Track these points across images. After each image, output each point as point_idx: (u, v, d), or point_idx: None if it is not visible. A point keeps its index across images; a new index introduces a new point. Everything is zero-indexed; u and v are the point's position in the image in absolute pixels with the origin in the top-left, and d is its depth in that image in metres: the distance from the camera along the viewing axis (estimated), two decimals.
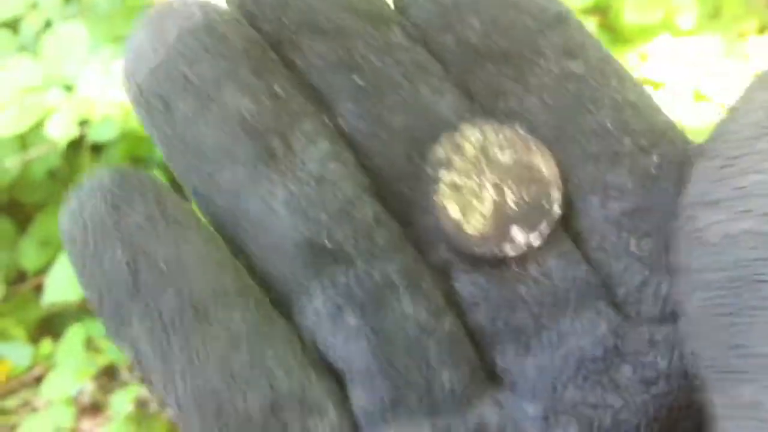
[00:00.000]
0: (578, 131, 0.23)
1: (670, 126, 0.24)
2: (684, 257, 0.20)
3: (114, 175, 0.23)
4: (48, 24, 0.85)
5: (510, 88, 0.24)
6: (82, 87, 0.73)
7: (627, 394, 0.22)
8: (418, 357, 0.23)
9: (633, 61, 0.77)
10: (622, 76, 0.24)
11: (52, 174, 0.89)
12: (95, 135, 0.78)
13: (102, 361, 0.89)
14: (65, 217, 0.23)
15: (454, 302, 0.24)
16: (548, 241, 0.23)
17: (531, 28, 0.24)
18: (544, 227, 0.23)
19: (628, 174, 0.23)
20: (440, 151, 0.24)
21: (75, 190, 0.23)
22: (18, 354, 0.91)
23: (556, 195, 0.23)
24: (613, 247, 0.23)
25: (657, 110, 0.24)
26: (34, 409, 0.93)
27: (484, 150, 0.24)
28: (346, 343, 0.23)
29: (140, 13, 0.81)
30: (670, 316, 0.23)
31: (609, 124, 0.23)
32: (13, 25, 0.87)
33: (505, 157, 0.24)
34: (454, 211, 0.23)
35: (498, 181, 0.23)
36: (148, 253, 0.22)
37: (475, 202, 0.23)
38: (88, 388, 0.95)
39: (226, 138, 0.23)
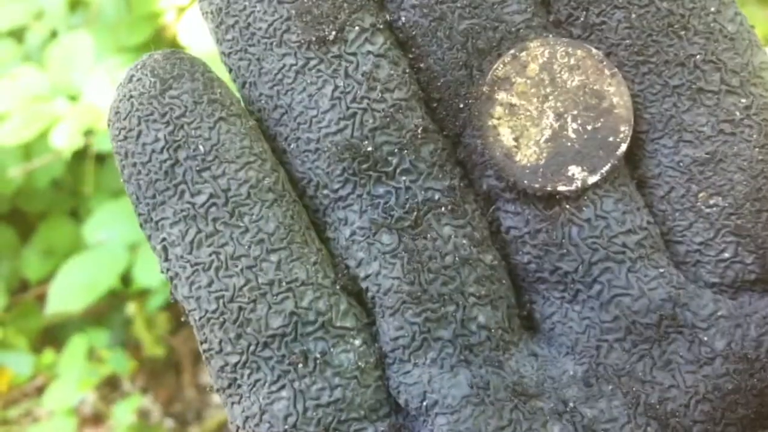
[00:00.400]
0: (661, 59, 0.22)
1: (767, 66, 0.22)
2: None
3: (167, 53, 0.22)
4: (53, 34, 0.85)
5: None
6: (87, 96, 0.73)
7: (678, 372, 0.21)
8: (455, 289, 0.22)
9: None
10: (724, 1, 0.22)
11: (55, 183, 0.89)
12: (100, 145, 0.78)
13: (104, 371, 0.89)
14: (116, 92, 0.22)
15: (498, 236, 0.23)
16: (609, 181, 0.22)
17: None
18: (606, 168, 0.22)
19: (709, 115, 0.21)
20: (501, 67, 0.22)
21: (130, 67, 0.22)
22: (20, 363, 0.90)
23: (625, 131, 0.22)
24: (680, 199, 0.22)
25: (757, 47, 0.22)
26: (36, 419, 0.93)
27: (550, 71, 0.22)
28: (380, 265, 0.22)
29: (146, 22, 0.80)
30: (730, 286, 0.21)
31: (698, 55, 0.22)
32: (18, 35, 0.88)
33: (572, 81, 0.22)
34: (506, 136, 0.22)
35: (561, 109, 0.22)
36: (189, 133, 0.21)
37: (531, 128, 0.22)
38: (89, 398, 0.95)
39: (279, 19, 0.22)
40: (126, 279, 0.80)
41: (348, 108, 0.21)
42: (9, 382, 0.94)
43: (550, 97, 0.22)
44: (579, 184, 0.21)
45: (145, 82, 0.21)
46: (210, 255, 0.21)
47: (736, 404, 0.21)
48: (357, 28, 0.22)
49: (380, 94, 0.22)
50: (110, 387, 0.99)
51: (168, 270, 0.21)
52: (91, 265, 0.77)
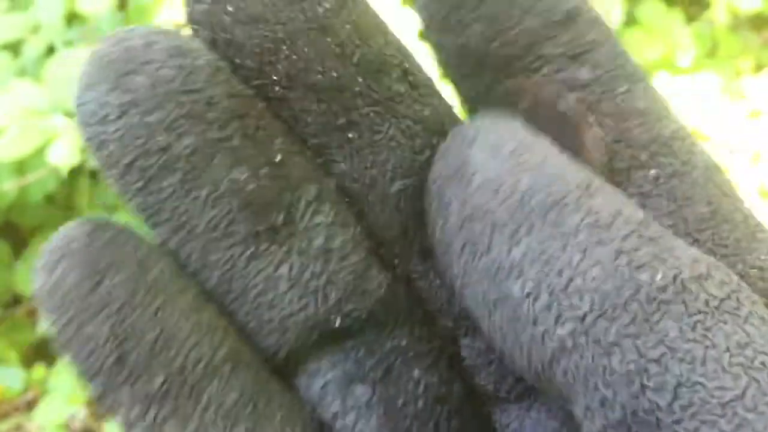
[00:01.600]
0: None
1: (678, 135, 0.22)
2: None
3: (89, 237, 0.20)
4: (50, 48, 0.85)
5: (508, 101, 0.22)
6: None
7: None
8: (431, 429, 0.22)
9: None
10: (633, 79, 0.22)
11: (49, 198, 0.89)
12: (95, 160, 0.78)
13: None
14: (40, 278, 0.20)
15: (459, 367, 0.23)
16: None
17: (536, 31, 0.21)
18: None
19: (623, 190, 0.21)
20: None
21: (46, 247, 0.20)
22: (11, 378, 0.90)
23: None
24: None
25: (666, 118, 0.22)
26: None
27: None
28: (356, 416, 0.22)
29: None
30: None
31: (608, 136, 0.22)
32: (14, 48, 0.88)
33: None
34: None
35: None
36: (133, 326, 0.20)
37: None
38: (80, 413, 0.94)
39: (219, 215, 0.20)
40: None
41: (308, 285, 0.21)
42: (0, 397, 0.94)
43: None
44: None
45: (73, 277, 0.19)
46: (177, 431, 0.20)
47: None
48: (303, 203, 0.21)
49: (338, 264, 0.21)
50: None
51: None
52: None
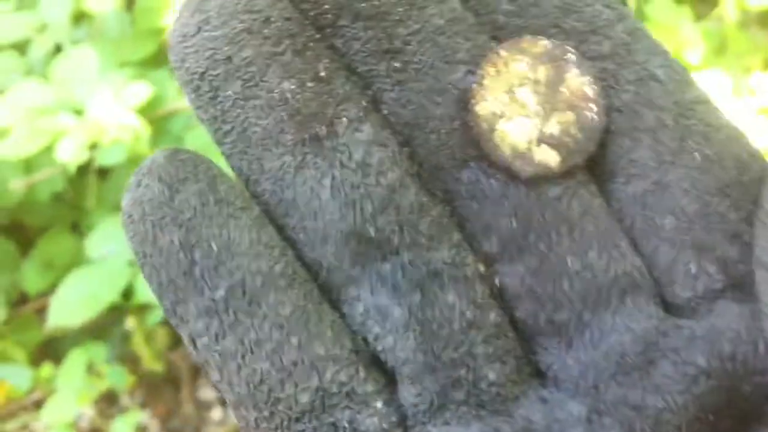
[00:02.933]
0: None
1: (700, 100, 0.24)
2: None
3: (169, 155, 0.23)
4: (57, 47, 0.85)
5: None
6: (91, 111, 0.73)
7: (667, 394, 0.22)
8: (465, 352, 0.23)
9: None
10: (651, 51, 0.24)
11: (56, 197, 0.89)
12: (103, 159, 0.78)
13: (102, 386, 0.89)
14: (126, 198, 0.23)
15: (499, 294, 0.24)
16: (590, 233, 0.23)
17: (556, 8, 0.24)
18: (577, 156, 0.23)
19: (650, 150, 0.23)
20: (479, 73, 0.23)
21: (135, 171, 0.23)
22: (18, 377, 0.90)
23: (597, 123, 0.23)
24: (641, 228, 0.23)
25: (686, 84, 0.24)
26: None
27: (531, 70, 0.23)
28: (394, 338, 0.23)
29: (150, 37, 0.81)
30: (703, 297, 0.23)
31: (632, 101, 0.23)
32: (21, 48, 0.88)
33: (549, 78, 0.23)
34: (488, 123, 0.23)
35: (547, 105, 0.23)
36: (201, 235, 0.22)
37: (510, 120, 0.23)
38: (88, 413, 0.95)
39: (272, 123, 0.23)
40: (126, 293, 0.80)
41: (347, 196, 0.23)
42: (7, 396, 0.94)
43: (533, 95, 0.23)
44: (554, 167, 0.23)
45: (153, 188, 0.22)
46: (235, 343, 0.22)
47: (723, 418, 0.22)
48: (344, 120, 0.23)
49: (375, 179, 0.23)
50: (108, 402, 0.99)
51: (198, 358, 0.23)
52: (93, 279, 0.77)
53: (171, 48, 0.23)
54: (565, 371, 0.23)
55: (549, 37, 0.23)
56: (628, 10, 0.24)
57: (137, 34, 0.85)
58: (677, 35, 0.79)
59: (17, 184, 0.83)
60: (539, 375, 0.24)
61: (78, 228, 0.90)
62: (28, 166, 0.84)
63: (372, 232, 0.23)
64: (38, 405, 0.92)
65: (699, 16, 0.85)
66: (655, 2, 0.81)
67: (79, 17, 0.88)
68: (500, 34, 0.24)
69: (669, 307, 0.23)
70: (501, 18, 0.24)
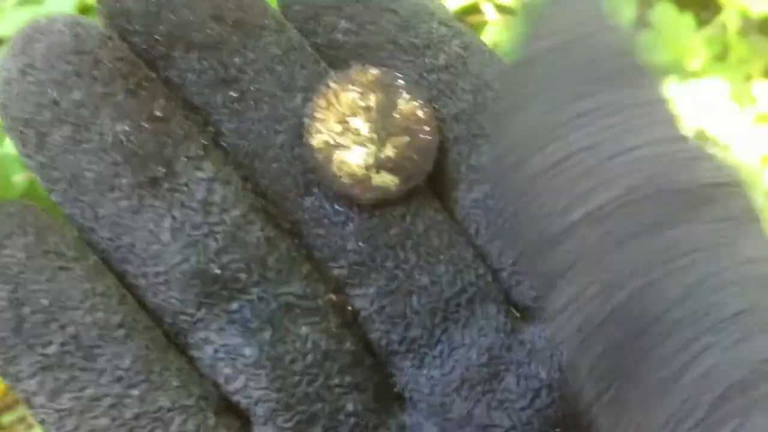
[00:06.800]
0: (443, 114, 0.24)
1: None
2: None
3: None
4: None
5: None
6: None
7: (513, 411, 0.22)
8: (320, 384, 0.23)
9: None
10: (486, 63, 0.24)
11: None
12: None
13: None
14: None
15: (354, 321, 0.24)
16: (435, 247, 0.23)
17: (393, 26, 0.24)
18: (415, 178, 0.23)
19: (487, 155, 0.23)
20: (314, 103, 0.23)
21: None
22: None
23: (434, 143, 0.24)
24: (485, 232, 0.24)
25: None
26: (30, 426, 0.93)
27: (362, 99, 0.23)
28: (246, 377, 0.22)
29: None
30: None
31: (468, 108, 0.24)
32: None
33: (381, 103, 0.23)
34: (324, 154, 0.23)
35: (381, 131, 0.23)
36: (30, 290, 0.21)
37: (345, 149, 0.23)
38: None
39: (105, 167, 0.22)
40: None
41: (189, 236, 0.22)
42: (4, 388, 0.94)
43: (367, 122, 0.23)
44: (394, 190, 0.23)
45: None
46: (72, 400, 0.21)
47: (570, 430, 0.22)
48: (183, 159, 0.22)
49: (218, 217, 0.22)
50: None
51: (36, 417, 0.22)
52: None
53: None
54: (418, 391, 0.23)
55: (386, 52, 0.24)
56: (465, 27, 0.24)
57: None
58: (679, 41, 0.79)
59: (20, 178, 0.83)
60: (399, 398, 0.24)
61: None
62: None
63: (217, 271, 0.22)
64: None
65: (702, 23, 0.85)
66: (657, 8, 0.81)
67: (85, 10, 0.88)
68: (339, 53, 0.24)
69: (519, 309, 0.24)
70: (340, 36, 0.24)
